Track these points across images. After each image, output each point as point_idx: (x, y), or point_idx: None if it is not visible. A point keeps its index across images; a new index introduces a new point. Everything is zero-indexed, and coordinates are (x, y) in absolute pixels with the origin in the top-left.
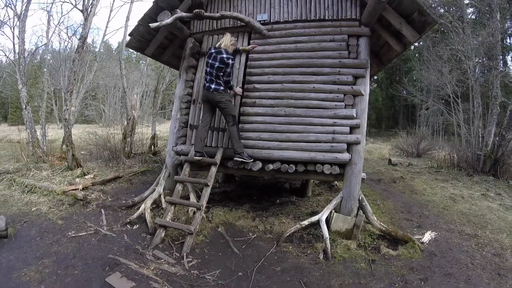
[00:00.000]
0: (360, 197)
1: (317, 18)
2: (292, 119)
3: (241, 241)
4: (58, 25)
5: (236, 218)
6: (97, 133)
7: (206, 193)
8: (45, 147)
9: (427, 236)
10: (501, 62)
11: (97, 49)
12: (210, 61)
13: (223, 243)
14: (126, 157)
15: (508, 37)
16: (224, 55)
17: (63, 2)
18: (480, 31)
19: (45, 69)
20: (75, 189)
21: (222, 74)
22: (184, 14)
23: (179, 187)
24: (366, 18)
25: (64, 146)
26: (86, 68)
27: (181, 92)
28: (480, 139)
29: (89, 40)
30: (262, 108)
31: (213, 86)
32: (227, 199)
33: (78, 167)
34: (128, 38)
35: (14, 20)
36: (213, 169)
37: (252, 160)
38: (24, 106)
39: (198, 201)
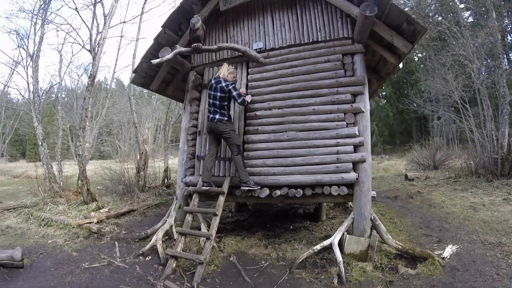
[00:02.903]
0: (372, 217)
1: (310, 41)
2: (295, 143)
3: (253, 269)
4: (69, 65)
5: (248, 247)
6: (112, 168)
7: (215, 222)
8: (61, 182)
9: (448, 251)
10: (505, 60)
11: (108, 86)
12: (212, 92)
13: (235, 272)
14: (140, 191)
15: (508, 35)
16: (223, 84)
17: (73, 43)
18: (478, 32)
19: (59, 107)
20: (90, 223)
21: (226, 103)
22: (183, 49)
23: (188, 217)
24: (357, 35)
25: (79, 181)
26: (100, 105)
27: (186, 124)
28: (495, 142)
29: (101, 77)
30: (265, 134)
31: (217, 116)
32: (239, 228)
33: (93, 201)
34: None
35: (27, 60)
36: (221, 198)
37: (259, 187)
38: (40, 143)
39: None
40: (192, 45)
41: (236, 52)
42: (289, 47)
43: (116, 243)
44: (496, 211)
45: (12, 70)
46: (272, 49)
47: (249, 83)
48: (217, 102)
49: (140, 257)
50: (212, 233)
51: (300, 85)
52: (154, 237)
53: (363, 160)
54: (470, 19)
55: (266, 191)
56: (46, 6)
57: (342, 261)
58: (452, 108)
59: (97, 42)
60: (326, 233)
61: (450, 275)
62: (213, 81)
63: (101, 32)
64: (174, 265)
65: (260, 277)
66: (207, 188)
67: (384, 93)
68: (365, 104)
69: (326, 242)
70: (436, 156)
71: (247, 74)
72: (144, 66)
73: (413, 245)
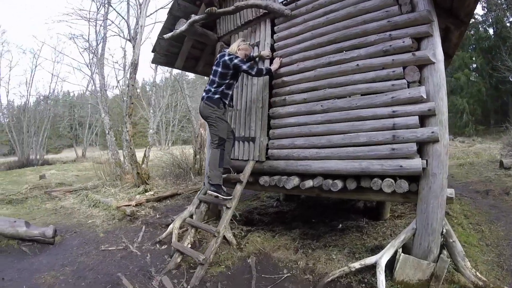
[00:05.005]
0: (445, 230)
1: None
2: (332, 115)
3: (269, 279)
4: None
5: (275, 248)
6: (172, 153)
7: (226, 216)
8: (126, 167)
9: None
10: None
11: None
12: (214, 67)
13: (246, 279)
14: (195, 174)
15: None
16: (227, 57)
17: (114, 35)
18: None
19: (124, 98)
20: (128, 205)
21: (226, 81)
22: (197, 17)
23: (202, 207)
24: None
25: (129, 165)
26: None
27: None
28: None
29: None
30: (294, 106)
31: (205, 95)
32: (278, 221)
33: (143, 184)
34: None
35: (90, 59)
36: (238, 187)
37: (230, 197)
38: (107, 132)
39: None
40: (206, 10)
41: (261, 11)
42: None
43: (144, 227)
44: None
45: (92, 73)
46: None
47: (275, 44)
48: (216, 79)
49: (157, 245)
50: (219, 230)
51: (338, 35)
52: (171, 226)
53: (435, 138)
54: None
55: (295, 180)
56: (107, 10)
57: None
58: None
59: (135, 31)
60: (380, 241)
61: None
62: (218, 55)
63: (138, 21)
64: (179, 259)
65: None
66: (225, 175)
67: (474, 65)
68: (435, 50)
69: (369, 260)
70: None
71: (272, 33)
72: (163, 44)
73: (502, 276)
